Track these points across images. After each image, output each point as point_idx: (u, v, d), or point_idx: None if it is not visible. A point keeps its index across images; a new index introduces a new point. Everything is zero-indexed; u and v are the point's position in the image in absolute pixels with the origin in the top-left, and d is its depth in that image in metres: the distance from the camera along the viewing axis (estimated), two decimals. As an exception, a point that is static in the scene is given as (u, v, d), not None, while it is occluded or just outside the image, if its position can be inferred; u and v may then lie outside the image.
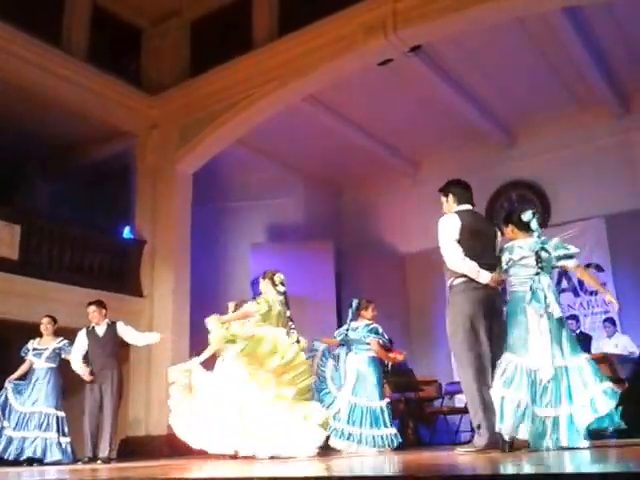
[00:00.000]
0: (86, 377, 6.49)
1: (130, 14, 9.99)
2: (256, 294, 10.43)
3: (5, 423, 6.59)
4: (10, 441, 6.51)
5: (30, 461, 6.44)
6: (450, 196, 4.35)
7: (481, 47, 8.54)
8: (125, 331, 6.50)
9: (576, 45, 8.26)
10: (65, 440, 6.59)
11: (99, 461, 6.02)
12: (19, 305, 7.77)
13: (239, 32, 9.47)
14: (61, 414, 6.69)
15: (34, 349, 6.85)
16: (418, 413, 8.31)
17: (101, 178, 10.25)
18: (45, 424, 6.57)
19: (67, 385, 6.86)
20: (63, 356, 6.83)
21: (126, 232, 9.84)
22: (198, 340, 9.55)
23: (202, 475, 3.36)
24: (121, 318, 6.84)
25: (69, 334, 6.98)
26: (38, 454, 6.46)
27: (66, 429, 6.66)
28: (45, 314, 7.07)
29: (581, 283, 9.71)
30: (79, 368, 6.50)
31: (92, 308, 6.47)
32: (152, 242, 9.57)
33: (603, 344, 8.05)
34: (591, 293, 9.59)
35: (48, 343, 6.89)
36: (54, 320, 6.99)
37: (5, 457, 6.47)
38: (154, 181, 9.78)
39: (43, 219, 8.72)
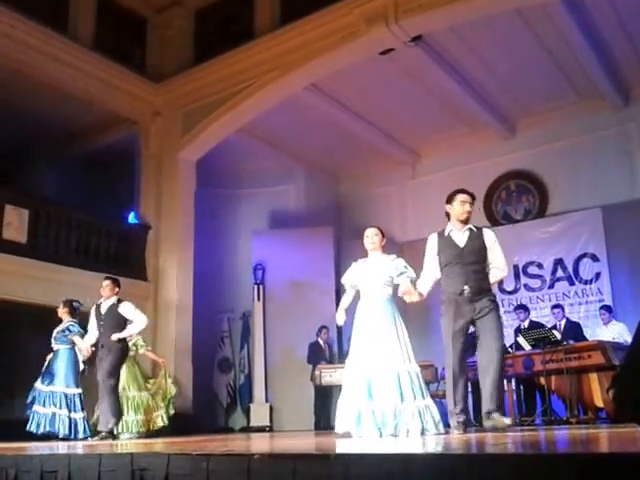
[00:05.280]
0: (83, 352, 6.70)
1: (135, 2, 10.06)
2: (258, 280, 10.73)
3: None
4: (33, 415, 6.76)
5: (46, 436, 6.66)
6: (473, 206, 4.53)
7: (482, 38, 8.61)
8: (125, 308, 6.42)
9: (576, 36, 8.30)
10: (77, 416, 6.79)
11: (101, 435, 6.16)
12: (27, 287, 7.96)
13: (241, 21, 9.56)
14: (74, 391, 6.83)
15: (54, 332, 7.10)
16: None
17: (106, 164, 10.39)
18: (59, 402, 6.75)
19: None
20: (69, 337, 6.94)
21: (131, 217, 10.00)
22: (200, 323, 9.79)
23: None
24: (126, 301, 6.96)
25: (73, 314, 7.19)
26: (50, 429, 6.67)
27: (78, 406, 6.82)
28: (53, 296, 7.25)
29: (576, 272, 9.88)
30: (82, 342, 6.65)
31: (106, 282, 6.44)
32: (156, 227, 9.74)
33: (600, 332, 8.17)
34: (586, 282, 9.75)
35: (62, 326, 7.07)
36: (64, 303, 7.08)
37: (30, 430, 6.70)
38: (158, 168, 9.94)
39: (51, 204, 8.88)
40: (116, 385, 6.36)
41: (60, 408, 6.73)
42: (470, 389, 8.29)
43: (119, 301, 6.48)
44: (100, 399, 6.31)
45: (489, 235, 4.43)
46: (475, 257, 4.33)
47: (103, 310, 6.41)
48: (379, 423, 4.27)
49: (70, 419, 6.70)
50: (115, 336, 6.24)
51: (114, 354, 6.24)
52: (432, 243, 4.49)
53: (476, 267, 4.32)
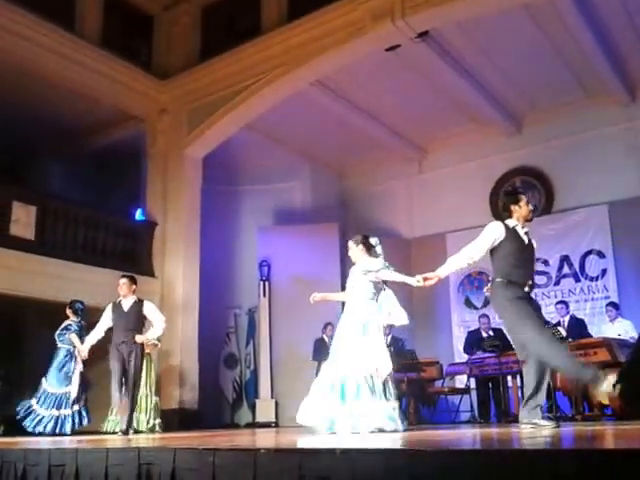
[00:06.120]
0: (81, 354, 6.81)
1: (141, 0, 10.10)
2: (263, 276, 10.76)
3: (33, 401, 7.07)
4: (40, 418, 6.96)
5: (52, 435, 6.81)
6: None
7: (488, 34, 8.59)
8: (149, 309, 6.48)
9: (584, 32, 8.27)
10: (69, 412, 6.96)
11: (119, 432, 6.24)
12: (35, 283, 8.02)
13: (248, 18, 9.57)
14: (65, 390, 7.03)
15: None
16: (420, 393, 8.52)
17: (112, 161, 10.43)
18: (57, 403, 6.96)
19: (96, 356, 7.07)
20: (66, 335, 7.13)
21: (138, 214, 10.05)
22: (206, 319, 9.83)
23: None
24: (147, 300, 6.94)
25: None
26: (53, 429, 6.86)
27: (70, 401, 7.00)
28: (60, 291, 7.33)
29: (582, 269, 9.86)
30: (84, 343, 6.73)
31: (123, 280, 6.46)
32: (163, 224, 9.79)
33: (606, 328, 8.16)
34: (592, 279, 9.74)
35: (62, 325, 7.23)
36: (68, 304, 7.25)
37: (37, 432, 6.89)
38: (164, 165, 9.98)
39: (58, 201, 8.93)
40: (138, 383, 6.43)
41: (54, 409, 6.93)
42: (474, 385, 8.34)
43: (140, 300, 6.52)
44: (125, 397, 6.33)
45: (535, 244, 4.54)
46: (532, 257, 4.41)
47: (125, 307, 6.40)
48: (350, 423, 4.48)
49: (58, 417, 6.90)
50: (140, 338, 6.26)
51: (139, 353, 6.26)
52: (497, 229, 4.36)
53: (533, 267, 4.41)
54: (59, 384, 7.05)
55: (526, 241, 4.39)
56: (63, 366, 7.12)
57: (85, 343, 6.69)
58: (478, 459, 2.08)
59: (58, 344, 7.20)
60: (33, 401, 7.03)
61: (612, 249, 9.58)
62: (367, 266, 5.01)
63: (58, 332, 7.22)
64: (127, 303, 6.41)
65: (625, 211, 9.40)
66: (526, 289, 4.24)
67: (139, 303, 6.46)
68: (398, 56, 8.75)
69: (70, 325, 7.18)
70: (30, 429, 6.90)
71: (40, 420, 6.91)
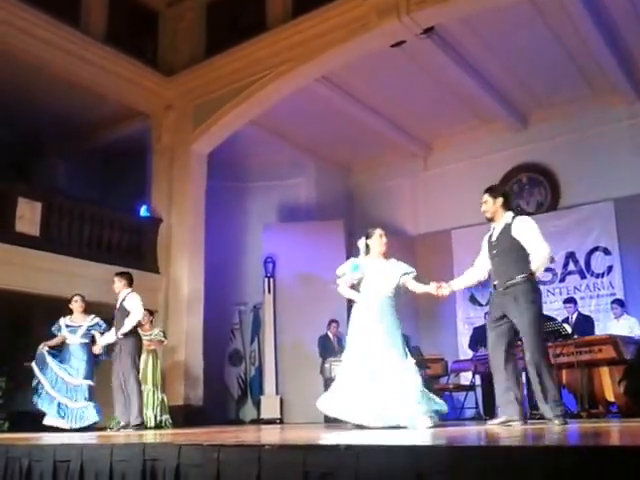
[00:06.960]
0: (95, 349, 6.92)
1: (147, -4, 10.10)
2: (268, 273, 10.76)
3: (43, 380, 6.95)
4: (50, 399, 6.87)
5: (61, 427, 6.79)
6: (500, 199, 4.49)
7: (493, 30, 8.56)
8: (128, 300, 6.42)
9: (591, 29, 8.22)
10: (90, 404, 6.94)
11: (130, 428, 6.25)
12: (40, 279, 8.03)
13: (253, 13, 9.56)
14: (91, 383, 7.02)
15: (67, 326, 7.10)
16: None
17: (118, 158, 10.44)
18: (76, 393, 6.92)
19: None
20: (93, 332, 7.08)
21: (143, 210, 10.07)
22: (211, 316, 9.84)
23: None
24: (133, 293, 6.96)
25: (87, 307, 7.28)
26: (68, 419, 6.83)
27: (92, 395, 6.99)
28: (65, 288, 7.32)
29: (588, 265, 9.83)
30: (101, 341, 6.83)
31: (115, 279, 6.53)
32: (168, 220, 9.79)
33: (611, 325, 8.15)
34: (597, 275, 9.71)
35: (81, 320, 7.11)
36: (83, 298, 7.23)
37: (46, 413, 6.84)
38: (170, 161, 9.98)
39: (63, 197, 8.94)
40: (137, 378, 6.41)
41: (73, 400, 6.89)
42: (479, 382, 8.33)
43: (128, 294, 6.53)
44: (122, 394, 6.36)
45: (517, 224, 4.37)
46: (504, 247, 4.33)
47: (117, 305, 6.48)
48: (380, 413, 4.40)
49: (67, 407, 6.88)
50: (119, 333, 6.29)
51: (128, 348, 6.26)
52: (483, 244, 4.58)
53: (503, 259, 4.33)
54: (77, 376, 6.97)
55: (495, 237, 4.39)
56: (87, 360, 7.06)
57: (102, 341, 6.77)
58: (483, 455, 2.08)
59: (81, 340, 7.02)
60: (46, 384, 6.96)
61: (618, 246, 9.56)
62: (406, 267, 4.85)
63: (86, 329, 7.04)
64: (119, 301, 6.48)
65: (631, 208, 9.38)
66: (500, 289, 4.27)
67: (125, 297, 6.46)
68: (403, 52, 8.74)
69: (100, 324, 7.09)
70: (38, 406, 6.85)
71: (50, 401, 6.84)
